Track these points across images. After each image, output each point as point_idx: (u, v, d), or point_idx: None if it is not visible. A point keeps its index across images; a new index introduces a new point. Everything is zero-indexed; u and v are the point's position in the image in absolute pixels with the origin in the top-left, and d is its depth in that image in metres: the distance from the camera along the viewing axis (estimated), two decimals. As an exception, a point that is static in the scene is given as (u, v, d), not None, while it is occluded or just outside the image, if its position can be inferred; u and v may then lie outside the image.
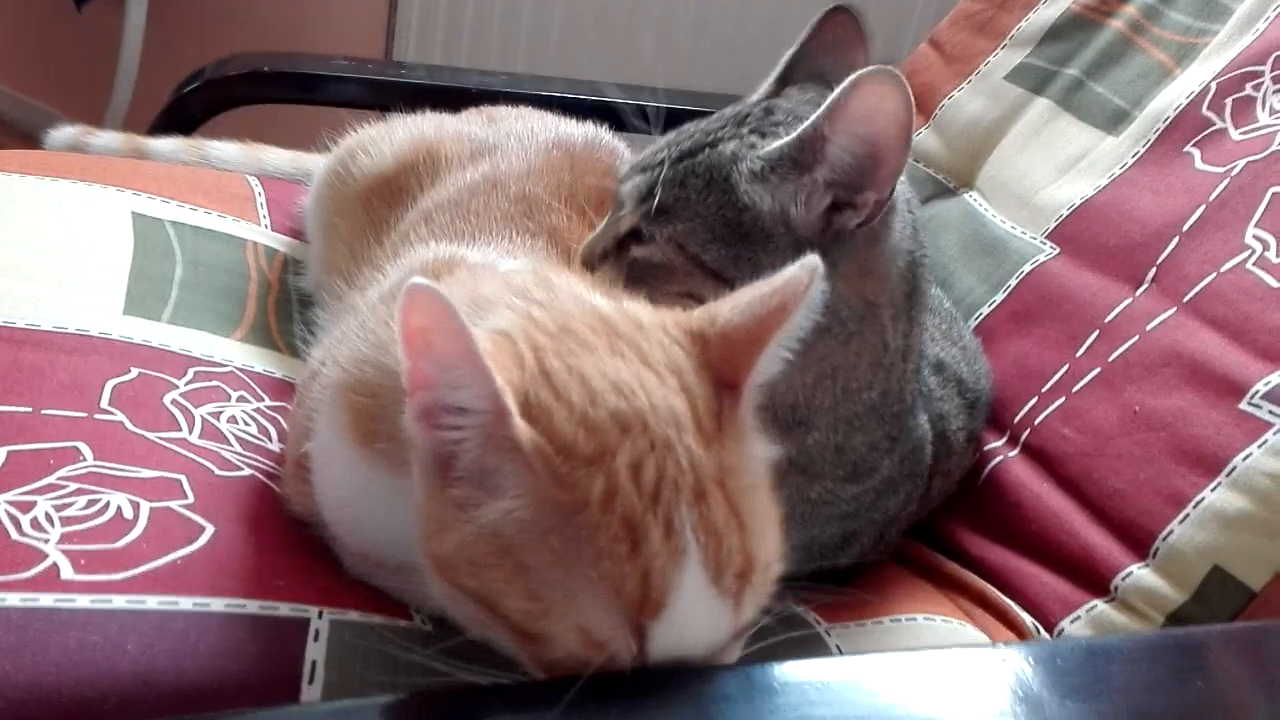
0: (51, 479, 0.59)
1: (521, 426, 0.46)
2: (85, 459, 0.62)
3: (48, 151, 1.03)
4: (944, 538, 0.82)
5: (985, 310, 0.94)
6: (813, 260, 0.52)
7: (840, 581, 0.75)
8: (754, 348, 0.51)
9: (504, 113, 0.96)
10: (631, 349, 0.51)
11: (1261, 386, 0.72)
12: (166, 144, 1.10)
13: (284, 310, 0.90)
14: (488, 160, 0.84)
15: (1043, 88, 1.07)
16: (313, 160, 1.10)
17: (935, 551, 0.81)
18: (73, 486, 0.59)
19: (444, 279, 0.62)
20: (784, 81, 0.70)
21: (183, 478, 0.63)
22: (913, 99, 0.60)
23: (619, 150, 0.89)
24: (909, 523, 0.80)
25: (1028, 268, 0.94)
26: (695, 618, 0.47)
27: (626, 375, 0.50)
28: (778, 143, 0.62)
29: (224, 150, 1.11)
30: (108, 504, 0.58)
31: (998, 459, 0.84)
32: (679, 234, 0.61)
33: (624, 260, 0.64)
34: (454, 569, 0.48)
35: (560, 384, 0.48)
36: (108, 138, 1.08)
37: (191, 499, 0.61)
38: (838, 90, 0.59)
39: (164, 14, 1.92)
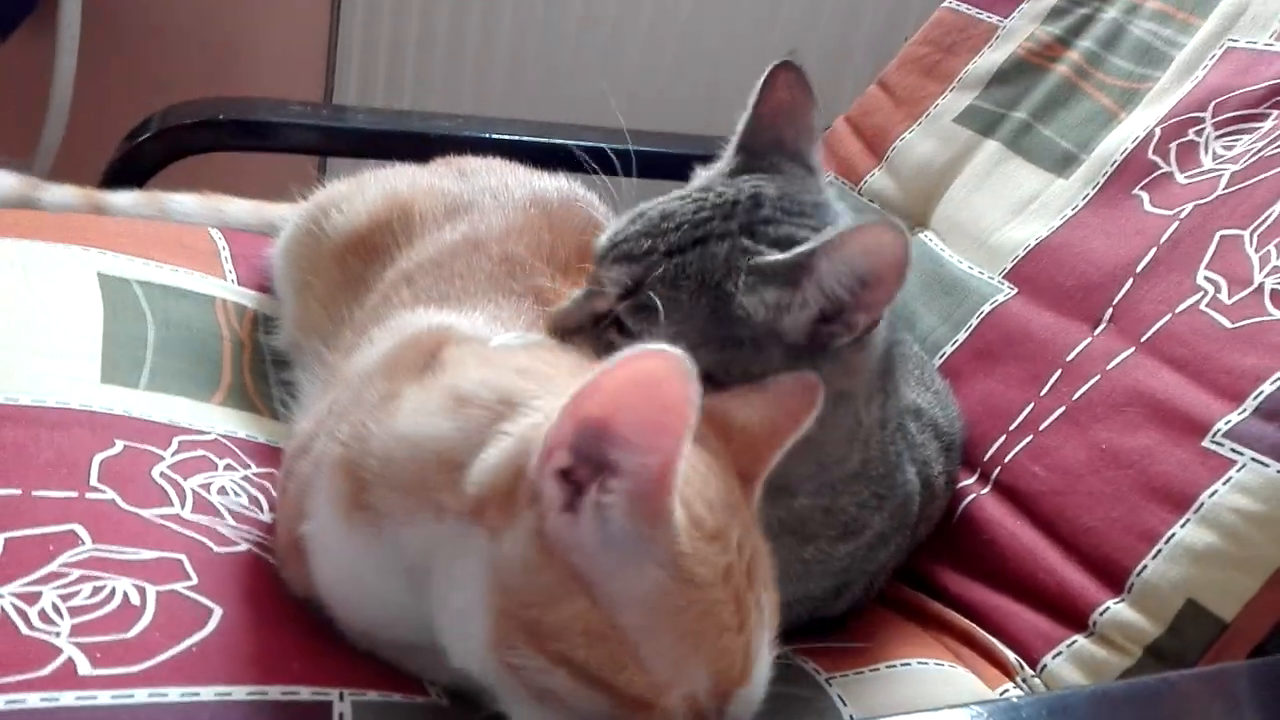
0: (53, 566, 0.58)
1: (684, 540, 0.48)
2: (84, 542, 0.61)
3: (8, 211, 1.01)
4: (924, 576, 0.85)
5: (949, 350, 0.97)
6: (812, 378, 0.57)
7: (833, 626, 0.77)
8: (768, 451, 0.56)
9: (474, 165, 0.96)
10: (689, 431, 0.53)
11: (1222, 425, 0.76)
12: (124, 198, 1.08)
13: (259, 370, 0.89)
14: (465, 218, 0.84)
15: (992, 130, 1.10)
16: (275, 210, 1.10)
17: (918, 591, 0.84)
18: (76, 574, 0.58)
19: (448, 349, 0.62)
20: (746, 150, 0.70)
21: (183, 557, 0.62)
22: (910, 245, 0.60)
23: (593, 203, 0.90)
24: (894, 566, 0.82)
25: (987, 308, 0.97)
26: (761, 679, 0.51)
27: (700, 456, 0.52)
28: (774, 257, 0.62)
29: (184, 202, 1.09)
30: (113, 591, 0.58)
31: (970, 497, 0.87)
32: (668, 336, 0.61)
33: (602, 340, 0.64)
34: (563, 639, 0.48)
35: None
36: (62, 193, 1.06)
37: (195, 580, 0.61)
38: (840, 231, 0.60)
39: (96, 53, 1.88)
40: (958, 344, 0.97)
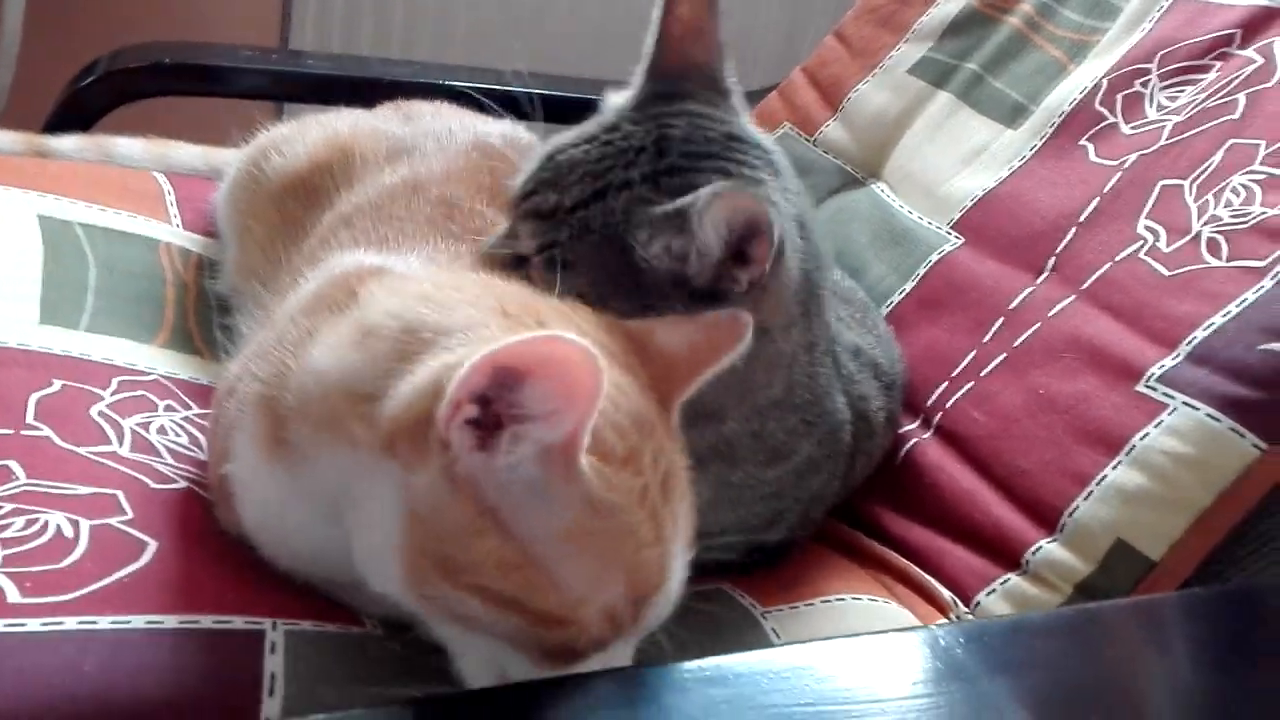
0: (-16, 500, 0.58)
1: (589, 474, 0.48)
2: (18, 478, 0.60)
3: (-59, 152, 0.99)
4: (865, 517, 0.86)
5: (896, 299, 0.98)
6: (744, 315, 0.58)
7: (770, 563, 0.78)
8: (687, 376, 0.57)
9: (420, 109, 0.95)
10: (605, 350, 0.54)
11: (1156, 370, 0.77)
12: (68, 142, 1.06)
13: (204, 314, 0.88)
14: (406, 162, 0.84)
15: (944, 81, 1.11)
16: (221, 155, 1.08)
17: (857, 531, 0.85)
18: (8, 507, 0.58)
19: (365, 285, 0.62)
20: (656, 75, 0.69)
21: (119, 493, 0.62)
22: (768, 212, 0.60)
23: (537, 146, 0.89)
24: (833, 501, 0.83)
25: (935, 257, 0.98)
26: (676, 585, 0.53)
27: (618, 376, 0.52)
28: (663, 207, 0.62)
29: (129, 147, 1.08)
30: (46, 524, 0.57)
31: (912, 441, 0.88)
32: (580, 287, 0.62)
33: (527, 279, 0.64)
34: (477, 572, 0.49)
35: None
36: (4, 137, 1.04)
37: (130, 515, 0.61)
38: (716, 190, 0.60)
39: (42, 8, 1.83)
40: (904, 293, 0.98)
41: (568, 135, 0.68)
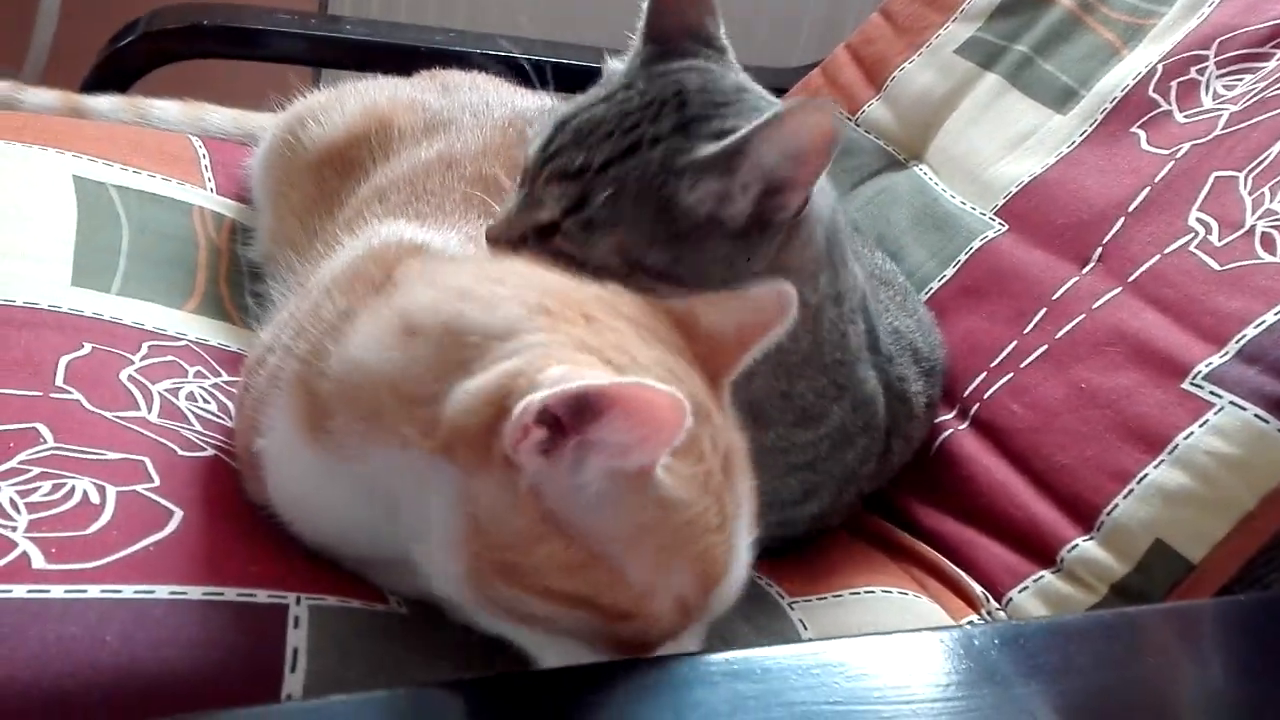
0: (13, 463, 0.58)
1: (661, 475, 0.48)
2: (46, 441, 0.60)
3: (-22, 110, 0.99)
4: (898, 509, 0.85)
5: (935, 285, 0.96)
6: (789, 288, 0.57)
7: (799, 549, 0.77)
8: (735, 354, 0.56)
9: (458, 80, 0.94)
10: (652, 335, 0.53)
11: (1203, 367, 0.75)
12: (105, 102, 1.06)
13: (235, 280, 0.88)
14: (442, 136, 0.83)
15: (992, 63, 1.08)
16: (257, 120, 1.08)
17: (889, 523, 0.84)
18: (36, 471, 0.58)
19: (403, 266, 0.61)
20: (654, 38, 0.69)
21: (146, 460, 0.62)
22: (839, 125, 0.61)
23: (542, 115, 0.88)
24: (870, 486, 0.82)
25: (977, 244, 0.96)
26: (740, 570, 0.52)
27: (671, 363, 0.51)
28: (711, 149, 0.62)
29: (165, 109, 1.07)
30: (73, 489, 0.57)
31: (948, 432, 0.86)
32: (620, 244, 0.62)
33: (547, 249, 0.63)
34: (542, 576, 0.48)
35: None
36: (43, 95, 1.04)
37: (157, 482, 0.60)
38: (769, 115, 0.61)
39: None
40: (945, 279, 0.96)
41: (578, 101, 0.68)
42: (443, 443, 0.49)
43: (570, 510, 0.48)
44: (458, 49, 1.23)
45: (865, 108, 1.15)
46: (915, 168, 1.09)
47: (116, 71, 1.17)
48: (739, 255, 0.64)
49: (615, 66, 0.69)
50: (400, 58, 1.22)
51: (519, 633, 0.51)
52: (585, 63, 1.32)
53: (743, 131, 0.61)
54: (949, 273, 0.96)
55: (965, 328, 0.91)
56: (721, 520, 0.50)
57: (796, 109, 0.60)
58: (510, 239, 0.64)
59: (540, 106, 0.88)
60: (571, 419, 0.46)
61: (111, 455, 0.61)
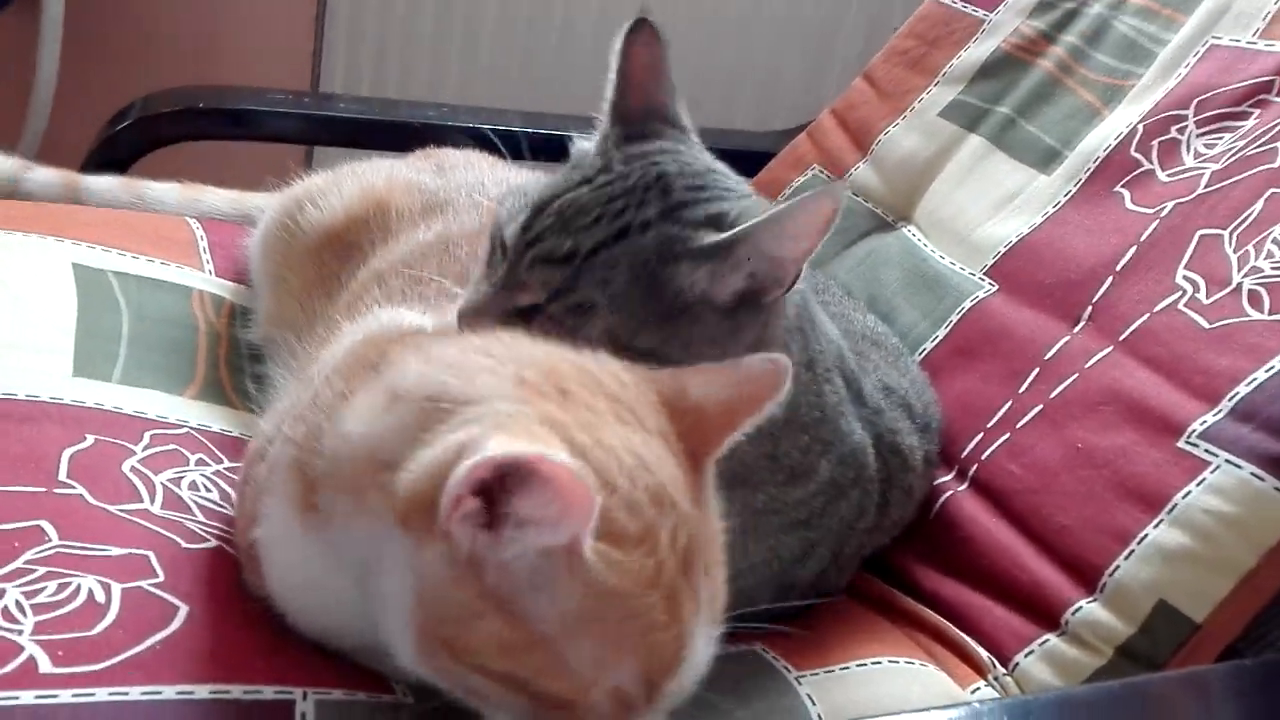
0: (19, 563, 0.58)
1: (594, 547, 0.47)
2: (50, 539, 0.60)
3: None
4: (899, 571, 0.85)
5: (929, 346, 0.97)
6: (784, 360, 0.56)
7: (798, 612, 0.77)
8: (724, 430, 0.55)
9: (452, 159, 0.96)
10: (629, 414, 0.53)
11: (1198, 426, 0.76)
12: (103, 184, 1.07)
13: (235, 363, 0.89)
14: (439, 217, 0.84)
15: (975, 125, 1.10)
16: (253, 200, 1.09)
17: (891, 586, 0.84)
18: (41, 570, 0.58)
19: (398, 345, 0.62)
20: (621, 118, 0.70)
21: (150, 554, 0.62)
22: (841, 204, 0.63)
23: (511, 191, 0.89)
24: (870, 543, 0.82)
25: (968, 304, 0.97)
26: (697, 660, 0.51)
27: (639, 445, 0.51)
28: (715, 239, 0.63)
29: (162, 191, 1.09)
30: (79, 588, 0.57)
31: (948, 493, 0.87)
32: (610, 327, 0.62)
33: (530, 330, 0.63)
34: (480, 654, 0.48)
35: (598, 465, 0.49)
36: (45, 175, 1.05)
37: (162, 577, 0.60)
38: (781, 209, 0.62)
39: (80, 38, 1.86)
40: (937, 340, 0.97)
41: (552, 183, 0.68)
42: (399, 510, 0.49)
43: (507, 588, 0.48)
44: (451, 123, 1.25)
45: (852, 171, 1.17)
46: (904, 229, 1.10)
47: (113, 155, 1.18)
48: (728, 332, 0.65)
49: (584, 146, 0.70)
50: (394, 134, 1.25)
51: (478, 707, 0.51)
52: (572, 133, 1.35)
53: (749, 225, 0.62)
54: (941, 333, 0.97)
55: (960, 388, 0.92)
56: (671, 616, 0.49)
57: (811, 202, 0.61)
58: (488, 318, 0.64)
59: (536, 181, 0.89)
60: (503, 492, 0.46)
61: (115, 551, 0.61)
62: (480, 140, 1.26)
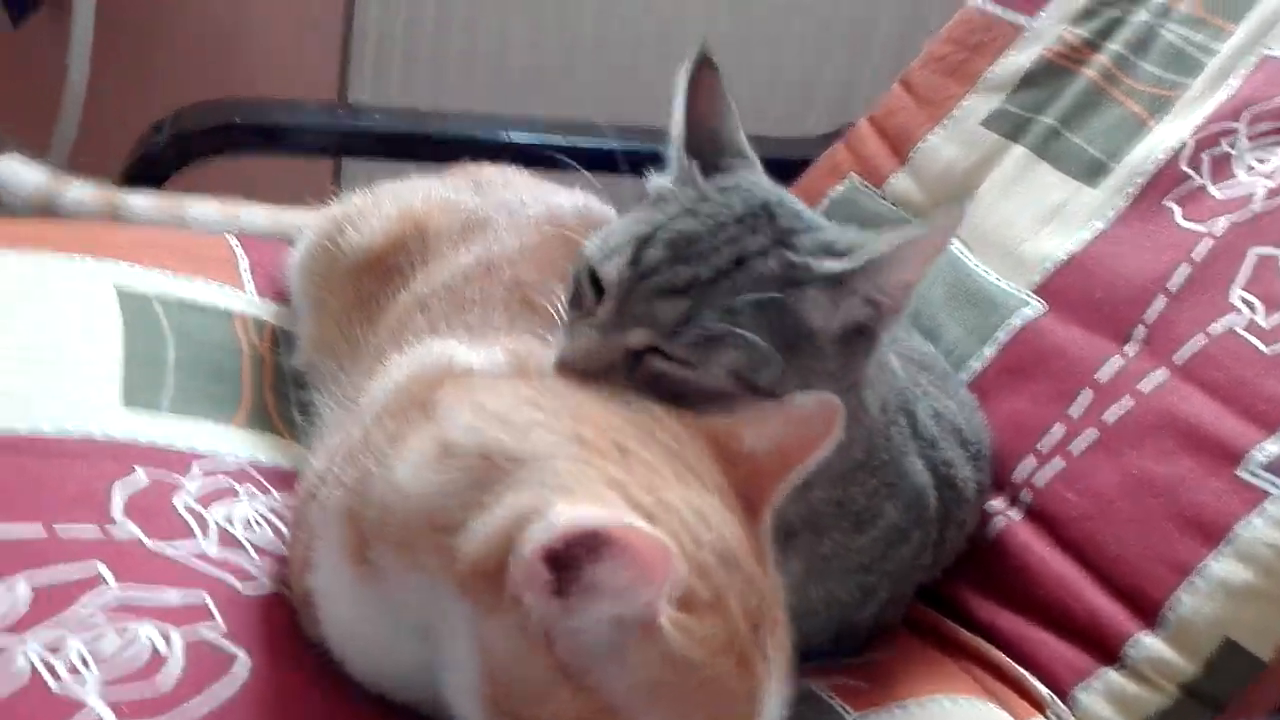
0: (79, 611, 0.58)
1: (669, 615, 0.46)
2: (108, 584, 0.60)
3: (19, 220, 1.00)
4: (950, 600, 0.84)
5: (976, 365, 0.96)
6: (834, 401, 0.56)
7: (856, 651, 0.76)
8: (778, 478, 0.55)
9: (490, 176, 0.95)
10: (688, 470, 0.52)
11: (1258, 454, 0.74)
12: (142, 202, 1.06)
13: (280, 389, 0.88)
14: (479, 238, 0.83)
15: (1018, 135, 1.08)
16: (292, 217, 1.09)
17: (946, 617, 0.83)
18: (101, 619, 0.58)
19: (446, 387, 0.61)
20: (694, 153, 0.68)
21: (208, 597, 0.62)
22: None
23: (610, 217, 0.88)
24: (924, 576, 0.81)
25: (1016, 322, 0.95)
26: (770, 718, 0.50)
27: (701, 504, 0.50)
28: (845, 266, 0.62)
29: (202, 208, 1.08)
30: (139, 636, 0.57)
31: (1000, 520, 0.86)
32: (734, 363, 0.60)
33: (641, 373, 0.61)
34: None
35: (664, 529, 0.48)
36: (83, 192, 1.05)
37: (220, 623, 0.60)
38: (905, 238, 0.61)
39: (108, 46, 1.86)
40: (985, 359, 0.95)
41: (648, 218, 0.65)
42: (462, 579, 0.49)
43: (580, 659, 0.47)
44: (485, 135, 1.25)
45: (890, 179, 1.15)
46: (946, 241, 1.09)
47: (149, 170, 1.18)
48: (842, 365, 0.63)
49: (661, 182, 0.68)
50: (428, 145, 1.24)
51: None
52: (619, 145, 1.34)
53: (879, 251, 0.61)
54: (989, 351, 0.96)
55: (1010, 409, 0.91)
56: (745, 680, 0.49)
57: (943, 222, 0.62)
58: (598, 365, 0.61)
59: (575, 203, 0.88)
60: (576, 560, 0.45)
61: (173, 595, 0.61)
62: (517, 151, 1.25)
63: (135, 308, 0.88)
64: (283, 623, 0.62)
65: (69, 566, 0.60)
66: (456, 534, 0.49)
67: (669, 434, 0.55)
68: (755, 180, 0.68)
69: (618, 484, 0.49)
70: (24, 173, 1.05)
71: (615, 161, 1.35)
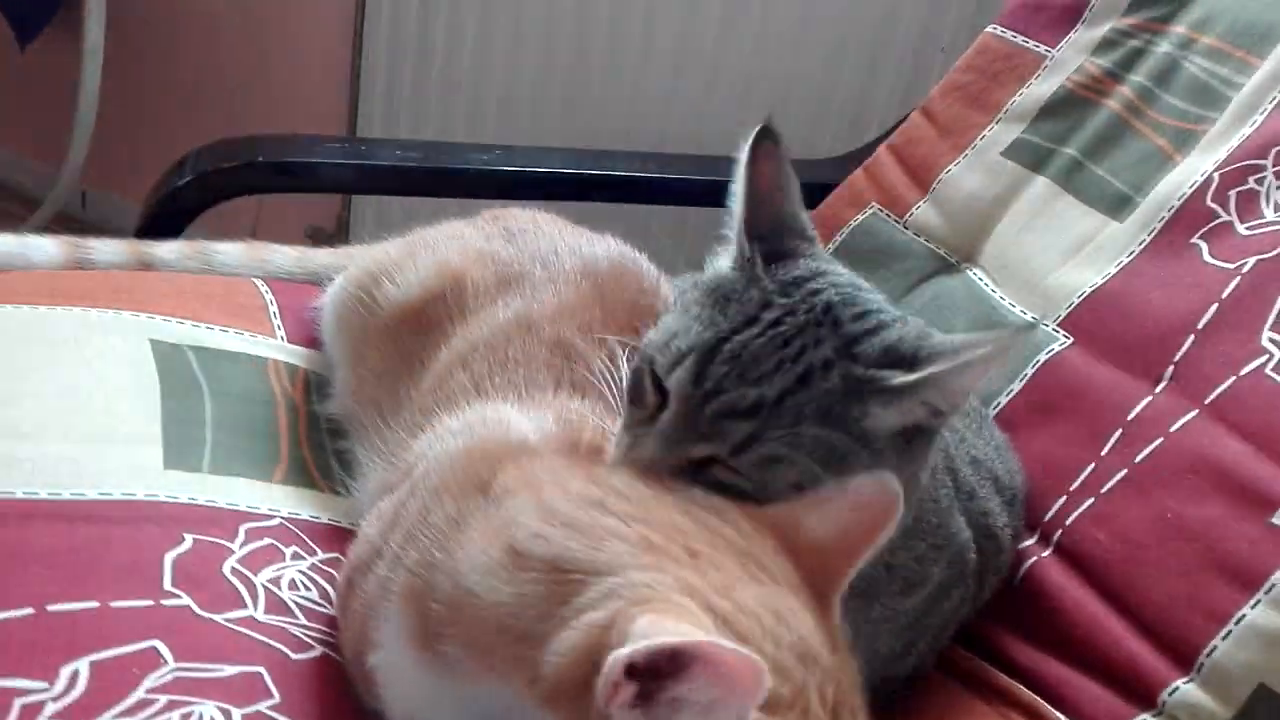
0: (140, 693, 0.58)
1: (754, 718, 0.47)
2: (167, 662, 0.61)
3: (50, 273, 1.00)
4: (986, 641, 0.85)
5: (1003, 400, 0.96)
6: (894, 482, 0.56)
7: (894, 697, 0.77)
8: (846, 565, 0.55)
9: (522, 224, 0.95)
10: (759, 567, 0.53)
11: (1292, 501, 0.75)
12: (170, 250, 1.07)
13: (315, 439, 0.89)
14: (516, 291, 0.83)
15: (1041, 166, 1.09)
16: (319, 258, 1.09)
17: (981, 659, 0.84)
18: (162, 700, 0.58)
19: (506, 473, 0.62)
20: (757, 235, 0.68)
21: (263, 670, 0.63)
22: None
23: (642, 265, 0.89)
24: (961, 622, 0.82)
25: (1043, 357, 0.96)
26: None
27: (775, 601, 0.51)
28: (905, 379, 0.62)
29: (228, 253, 1.08)
30: (200, 717, 0.58)
31: (1032, 559, 0.86)
32: (796, 478, 0.61)
33: (703, 478, 0.62)
34: None
35: (742, 631, 0.49)
36: (110, 249, 1.05)
37: (277, 698, 0.61)
38: (965, 353, 0.62)
39: (119, 69, 1.87)
40: (1012, 394, 0.96)
41: (714, 322, 0.64)
42: (545, 695, 0.50)
43: None
44: (506, 168, 1.25)
45: (914, 210, 1.16)
46: (969, 271, 1.09)
47: (171, 212, 1.19)
48: (904, 462, 0.63)
49: (723, 266, 0.68)
50: (446, 179, 1.25)
51: None
52: (634, 173, 1.34)
53: (941, 365, 0.62)
54: (1016, 387, 0.96)
55: (1039, 447, 0.91)
56: None
57: (1007, 341, 0.64)
58: (661, 470, 0.62)
59: (608, 253, 0.88)
60: (660, 672, 0.46)
61: (229, 669, 0.62)
62: (535, 183, 1.26)
63: (170, 360, 0.89)
64: (335, 690, 0.63)
65: (127, 647, 0.61)
66: (535, 647, 0.50)
67: (736, 530, 0.56)
68: (818, 270, 0.67)
69: (693, 590, 0.50)
70: (45, 246, 1.02)
71: (639, 190, 1.36)
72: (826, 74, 1.54)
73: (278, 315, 1.01)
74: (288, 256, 1.10)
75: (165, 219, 1.19)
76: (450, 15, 1.63)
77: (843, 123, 1.54)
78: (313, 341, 0.99)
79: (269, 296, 1.03)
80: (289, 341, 0.99)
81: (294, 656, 0.65)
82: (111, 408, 0.83)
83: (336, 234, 1.94)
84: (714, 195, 1.34)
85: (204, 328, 0.95)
